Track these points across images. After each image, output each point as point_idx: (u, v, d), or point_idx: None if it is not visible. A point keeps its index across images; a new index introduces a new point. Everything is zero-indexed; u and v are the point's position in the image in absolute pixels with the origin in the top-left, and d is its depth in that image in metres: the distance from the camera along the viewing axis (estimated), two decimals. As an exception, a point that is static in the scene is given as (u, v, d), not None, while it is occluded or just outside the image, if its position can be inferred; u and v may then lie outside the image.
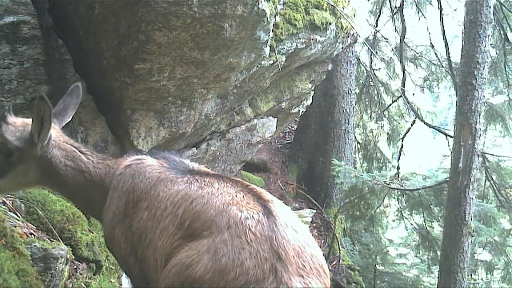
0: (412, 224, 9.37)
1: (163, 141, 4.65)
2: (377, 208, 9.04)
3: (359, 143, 11.50)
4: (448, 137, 8.74)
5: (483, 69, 6.02)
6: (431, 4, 9.65)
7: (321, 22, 5.66)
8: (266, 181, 9.16)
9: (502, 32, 8.17)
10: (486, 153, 7.46)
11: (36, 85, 3.86)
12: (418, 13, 9.81)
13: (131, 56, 3.81)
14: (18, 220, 3.05)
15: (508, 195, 8.01)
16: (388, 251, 9.41)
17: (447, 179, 6.62)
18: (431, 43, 9.84)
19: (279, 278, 1.66)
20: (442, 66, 10.07)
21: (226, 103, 5.24)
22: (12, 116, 2.39)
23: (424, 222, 8.72)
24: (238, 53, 4.36)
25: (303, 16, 5.41)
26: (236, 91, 5.20)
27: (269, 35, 4.51)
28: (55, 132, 2.43)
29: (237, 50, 4.29)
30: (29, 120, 2.34)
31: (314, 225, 8.99)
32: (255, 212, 1.84)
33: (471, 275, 8.87)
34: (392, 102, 11.15)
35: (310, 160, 10.02)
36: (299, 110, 7.22)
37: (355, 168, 10.29)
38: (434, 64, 10.51)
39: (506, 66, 8.60)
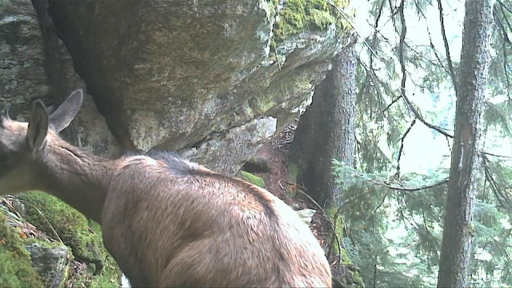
0: (412, 224, 9.36)
1: (163, 141, 4.65)
2: (377, 208, 9.03)
3: (359, 143, 11.49)
4: (448, 137, 8.74)
5: (483, 69, 6.02)
6: (431, 4, 9.65)
7: (321, 22, 5.66)
8: (266, 181, 9.15)
9: (502, 32, 8.16)
10: (486, 153, 7.46)
11: (36, 85, 3.86)
12: (418, 13, 9.81)
13: (131, 56, 3.81)
14: (18, 220, 3.05)
15: (508, 195, 8.01)
16: (388, 251, 9.40)
17: (447, 179, 6.62)
18: (431, 43, 9.83)
19: (281, 278, 1.66)
20: (442, 66, 10.06)
21: (226, 103, 5.24)
22: (8, 120, 2.40)
23: (424, 222, 8.71)
24: (238, 53, 4.36)
25: (303, 16, 5.41)
26: (236, 91, 5.20)
27: (269, 35, 4.51)
28: (51, 136, 2.43)
29: (237, 50, 4.29)
30: (25, 124, 2.35)
31: (314, 225, 8.99)
32: (257, 212, 1.84)
33: (471, 275, 8.87)
34: (392, 102, 11.15)
35: (310, 160, 10.02)
36: (299, 110, 7.22)
37: (355, 168, 10.29)
38: (434, 64, 10.50)
39: (506, 66, 8.59)
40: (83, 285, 3.16)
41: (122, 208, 2.23)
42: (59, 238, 3.19)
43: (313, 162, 9.98)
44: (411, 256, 9.95)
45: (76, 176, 2.42)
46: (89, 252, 3.40)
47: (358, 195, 8.27)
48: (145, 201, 2.17)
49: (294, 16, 5.30)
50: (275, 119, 6.68)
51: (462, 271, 5.99)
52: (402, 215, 9.41)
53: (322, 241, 8.78)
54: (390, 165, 11.07)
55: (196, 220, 1.90)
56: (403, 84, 9.58)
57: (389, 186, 7.94)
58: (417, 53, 10.63)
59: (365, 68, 11.06)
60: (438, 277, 6.44)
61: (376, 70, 11.18)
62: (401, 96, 10.02)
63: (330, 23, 5.84)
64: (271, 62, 5.15)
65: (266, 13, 4.08)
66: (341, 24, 6.17)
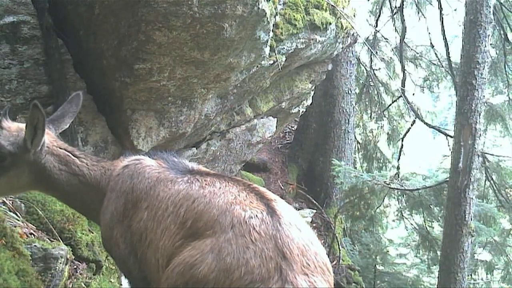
0: (412, 224, 9.36)
1: (163, 141, 4.65)
2: (377, 208, 9.03)
3: (359, 143, 11.49)
4: (448, 137, 8.73)
5: (483, 69, 6.02)
6: (431, 4, 9.64)
7: (321, 22, 5.66)
8: (266, 181, 9.15)
9: (502, 32, 8.16)
10: (486, 153, 7.45)
11: (36, 85, 3.86)
12: (418, 13, 9.80)
13: (131, 56, 3.81)
14: (18, 220, 3.05)
15: (508, 195, 8.01)
16: (388, 251, 9.40)
17: (447, 179, 6.62)
18: (431, 43, 9.82)
19: (284, 277, 1.66)
20: (442, 66, 10.06)
21: (226, 103, 5.24)
22: (7, 120, 2.40)
23: (424, 222, 8.71)
24: (238, 53, 4.36)
25: (303, 16, 5.41)
26: (236, 91, 5.20)
27: (269, 35, 4.51)
28: (49, 137, 2.43)
29: (237, 50, 4.29)
30: (24, 125, 2.35)
31: (314, 225, 8.98)
32: (258, 211, 1.84)
33: (471, 275, 8.86)
34: (392, 102, 11.14)
35: (310, 160, 10.01)
36: (299, 110, 7.22)
37: (355, 168, 10.29)
38: (434, 64, 10.50)
39: (506, 66, 8.59)
40: (83, 285, 3.16)
41: (121, 208, 2.23)
42: (59, 238, 3.19)
43: (313, 162, 9.98)
44: (411, 256, 9.95)
45: (75, 177, 2.42)
46: (89, 252, 3.40)
47: (358, 195, 8.26)
48: (145, 201, 2.16)
49: (294, 16, 5.30)
50: (275, 119, 6.67)
51: (462, 271, 5.99)
52: (402, 215, 9.41)
53: (322, 241, 8.77)
54: (390, 165, 11.07)
55: (197, 219, 1.90)
56: (403, 84, 9.57)
57: (389, 186, 7.93)
58: (417, 53, 10.63)
59: (365, 68, 11.06)
60: (438, 277, 6.44)
61: (376, 70, 11.18)
62: (401, 96, 10.01)
63: (330, 23, 5.84)
64: (271, 62, 5.14)
65: (266, 13, 4.08)
66: (341, 24, 6.17)
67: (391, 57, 11.07)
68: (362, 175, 8.06)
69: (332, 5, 5.81)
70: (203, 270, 1.70)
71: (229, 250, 1.71)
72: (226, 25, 3.82)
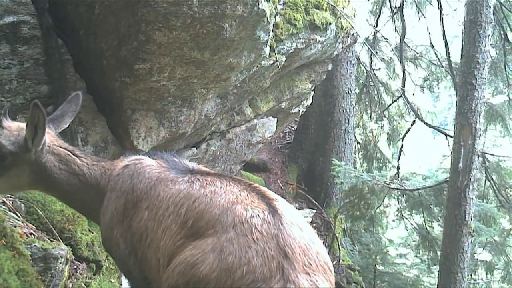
0: (412, 224, 9.36)
1: (163, 141, 4.65)
2: (377, 208, 9.03)
3: (359, 143, 11.49)
4: (448, 137, 8.73)
5: (483, 69, 6.02)
6: (431, 4, 9.64)
7: (321, 22, 5.66)
8: (266, 181, 9.14)
9: (502, 32, 8.16)
10: (486, 153, 7.45)
11: (36, 85, 3.86)
12: (418, 13, 9.80)
13: (131, 56, 3.81)
14: (18, 220, 3.05)
15: (508, 195, 8.00)
16: (388, 251, 9.40)
17: (447, 179, 6.62)
18: (431, 43, 9.82)
19: (286, 276, 1.66)
20: (442, 66, 10.05)
21: (226, 103, 5.24)
22: (8, 120, 2.40)
23: (424, 222, 8.71)
24: (238, 53, 4.36)
25: (303, 16, 5.41)
26: (236, 91, 5.20)
27: (269, 35, 4.51)
28: (49, 136, 2.43)
29: (237, 50, 4.28)
30: (24, 125, 2.35)
31: (314, 225, 8.98)
32: (260, 211, 1.84)
33: (471, 275, 8.86)
34: (392, 102, 11.14)
35: (310, 160, 10.01)
36: (299, 110, 7.22)
37: (355, 168, 10.28)
38: (434, 64, 10.50)
39: (506, 66, 8.58)
40: (83, 285, 3.16)
41: (122, 208, 2.23)
42: (59, 238, 3.19)
43: (313, 162, 9.98)
44: (411, 256, 9.95)
45: (75, 177, 2.42)
46: (89, 252, 3.40)
47: (358, 195, 8.26)
48: (145, 201, 2.16)
49: (294, 16, 5.30)
50: (275, 119, 6.67)
51: (462, 271, 5.99)
52: (402, 215, 9.41)
53: (322, 241, 8.72)
54: (390, 165, 11.07)
55: (198, 219, 1.90)
56: (403, 84, 9.57)
57: (389, 186, 7.93)
58: (417, 53, 10.62)
59: (365, 68, 11.06)
60: (438, 277, 6.44)
61: (376, 70, 11.18)
62: (401, 96, 10.01)
63: (330, 23, 5.84)
64: (271, 62, 5.14)
65: (266, 13, 4.08)
66: (341, 24, 6.17)
67: (391, 57, 11.07)
68: (362, 175, 8.06)
69: (332, 5, 5.81)
70: (204, 270, 1.70)
71: (231, 250, 1.70)
72: (226, 25, 3.82)
